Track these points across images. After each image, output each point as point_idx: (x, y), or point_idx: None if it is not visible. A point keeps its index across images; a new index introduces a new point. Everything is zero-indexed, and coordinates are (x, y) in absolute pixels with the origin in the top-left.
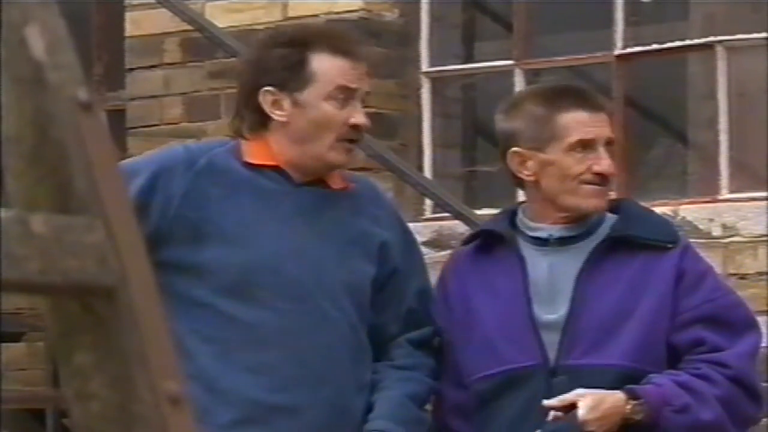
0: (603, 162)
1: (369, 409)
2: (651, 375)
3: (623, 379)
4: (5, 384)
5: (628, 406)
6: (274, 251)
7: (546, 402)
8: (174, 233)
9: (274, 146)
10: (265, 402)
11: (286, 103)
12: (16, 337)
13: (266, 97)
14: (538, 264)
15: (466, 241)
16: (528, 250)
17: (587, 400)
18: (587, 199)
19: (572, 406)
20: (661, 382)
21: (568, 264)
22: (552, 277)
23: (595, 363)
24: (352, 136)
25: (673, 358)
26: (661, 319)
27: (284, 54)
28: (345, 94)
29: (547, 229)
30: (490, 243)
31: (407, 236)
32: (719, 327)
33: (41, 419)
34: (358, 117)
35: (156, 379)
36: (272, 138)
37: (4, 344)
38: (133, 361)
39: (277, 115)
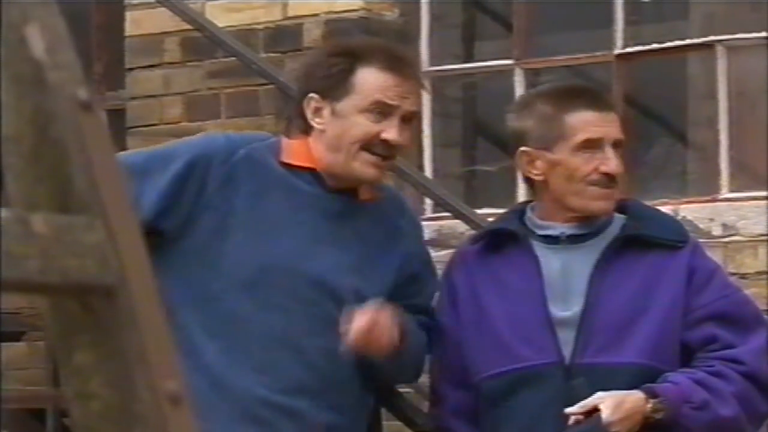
0: (610, 162)
1: (372, 414)
2: (666, 374)
3: (639, 376)
4: (5, 383)
5: (649, 405)
6: (291, 251)
7: (568, 410)
8: (202, 222)
9: (313, 151)
10: (268, 401)
11: (326, 111)
12: (16, 337)
13: (310, 104)
14: (551, 262)
15: (474, 241)
16: (539, 249)
17: (609, 402)
18: (594, 201)
19: (594, 410)
20: (678, 380)
21: (581, 262)
22: (565, 275)
23: (610, 361)
24: (380, 150)
25: (686, 355)
26: (674, 316)
27: (333, 63)
28: (382, 110)
29: (559, 228)
30: (499, 242)
31: (425, 248)
32: (731, 324)
33: (41, 419)
34: (391, 133)
35: (156, 379)
36: (313, 143)
37: (4, 344)
38: (133, 360)
39: (316, 122)
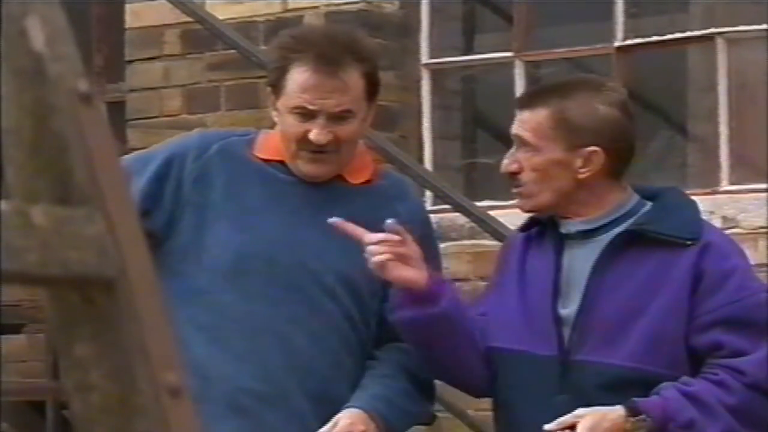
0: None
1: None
2: (661, 384)
3: (628, 379)
4: (5, 375)
5: (628, 424)
6: (271, 239)
7: (546, 427)
8: (184, 219)
9: None
10: (253, 390)
11: (275, 105)
12: (16, 329)
13: (269, 95)
14: (565, 257)
15: (522, 229)
16: (566, 243)
17: (586, 421)
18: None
19: (573, 428)
20: (667, 395)
21: (585, 258)
22: (569, 271)
23: (600, 361)
24: (312, 148)
25: (695, 361)
26: (672, 319)
27: (275, 59)
28: (303, 112)
29: (564, 224)
30: (542, 232)
31: (428, 239)
32: (741, 329)
33: (41, 411)
34: (314, 134)
35: (156, 371)
36: None
37: (4, 336)
38: (133, 352)
39: (273, 115)
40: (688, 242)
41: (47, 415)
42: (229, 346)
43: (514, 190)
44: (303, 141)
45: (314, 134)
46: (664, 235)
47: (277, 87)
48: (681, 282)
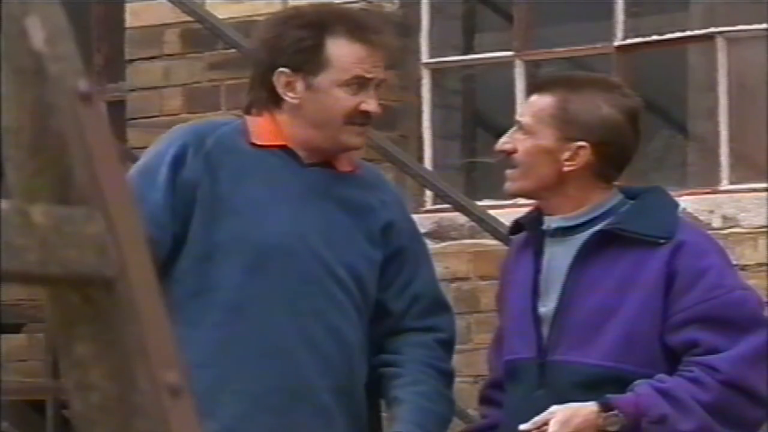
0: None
1: (369, 392)
2: (636, 381)
3: (604, 377)
4: (5, 375)
5: (600, 419)
6: (286, 232)
7: (522, 426)
8: (194, 216)
9: (284, 126)
10: (281, 388)
11: (300, 85)
12: (16, 328)
13: (280, 78)
14: (546, 255)
15: (512, 231)
16: (547, 242)
17: (558, 417)
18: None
19: (548, 425)
20: (641, 391)
21: (564, 256)
22: (549, 269)
23: (576, 360)
24: (361, 120)
25: (674, 359)
26: (646, 318)
27: (301, 36)
28: (359, 83)
29: (546, 220)
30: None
31: (412, 223)
32: (717, 327)
33: (41, 410)
34: (370, 104)
35: (156, 370)
36: (283, 118)
37: (4, 335)
38: (132, 352)
39: (289, 96)
40: (661, 241)
41: (47, 414)
42: (253, 345)
43: (506, 172)
44: (354, 114)
45: (372, 105)
46: (637, 233)
47: (311, 65)
48: (654, 281)
